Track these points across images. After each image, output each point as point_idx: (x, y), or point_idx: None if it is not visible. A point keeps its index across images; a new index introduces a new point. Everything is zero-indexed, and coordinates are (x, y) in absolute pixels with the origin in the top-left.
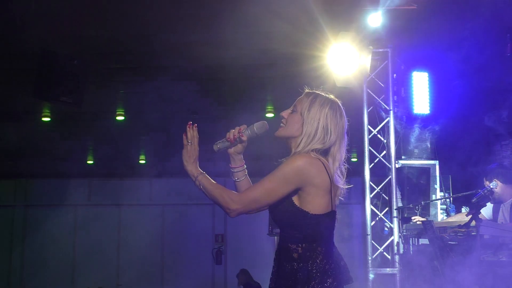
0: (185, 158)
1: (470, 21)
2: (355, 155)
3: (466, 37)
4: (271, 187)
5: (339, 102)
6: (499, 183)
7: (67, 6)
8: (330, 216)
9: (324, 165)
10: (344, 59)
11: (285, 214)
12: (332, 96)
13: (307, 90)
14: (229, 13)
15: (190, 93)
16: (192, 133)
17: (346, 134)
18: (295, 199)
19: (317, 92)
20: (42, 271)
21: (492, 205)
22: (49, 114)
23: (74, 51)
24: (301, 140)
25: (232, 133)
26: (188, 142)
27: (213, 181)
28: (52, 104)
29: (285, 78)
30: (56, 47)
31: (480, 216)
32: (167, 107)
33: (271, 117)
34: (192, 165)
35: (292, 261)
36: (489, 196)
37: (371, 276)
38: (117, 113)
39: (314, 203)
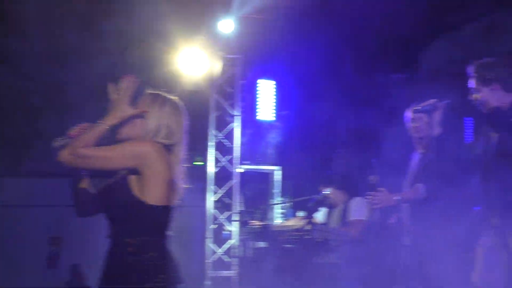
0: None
1: (314, 33)
2: (200, 158)
3: (309, 49)
4: (110, 155)
5: (180, 102)
6: (333, 190)
7: None
8: (167, 210)
9: (168, 158)
10: (194, 64)
11: (122, 205)
12: (173, 97)
13: (148, 91)
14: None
15: None
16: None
17: (186, 135)
18: (133, 186)
19: (158, 92)
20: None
21: (326, 210)
22: None
23: None
24: (144, 138)
25: (75, 130)
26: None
27: (98, 134)
28: None
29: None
30: None
31: (314, 220)
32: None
33: None
34: (112, 114)
35: (127, 255)
36: (324, 201)
37: (209, 280)
38: None
39: (152, 193)
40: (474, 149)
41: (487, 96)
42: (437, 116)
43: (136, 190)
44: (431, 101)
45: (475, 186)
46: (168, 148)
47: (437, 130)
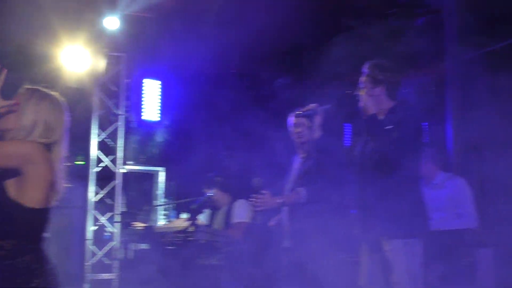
0: None
1: (201, 33)
2: (81, 158)
3: (196, 50)
4: None
5: (61, 98)
6: (217, 191)
7: None
8: (45, 212)
9: (49, 158)
10: (77, 60)
11: None
12: (54, 92)
13: (26, 87)
14: None
15: None
16: None
17: (67, 133)
18: (11, 188)
19: (37, 87)
20: None
21: (210, 211)
22: None
23: None
24: (19, 133)
25: None
26: None
27: None
28: None
29: (13, 78)
30: None
31: (198, 222)
32: None
33: None
34: None
35: None
36: (208, 202)
37: (88, 282)
38: None
39: (31, 195)
40: (351, 153)
41: (368, 100)
42: (318, 120)
43: (13, 192)
44: (312, 105)
45: (351, 190)
46: (48, 147)
47: (317, 134)
